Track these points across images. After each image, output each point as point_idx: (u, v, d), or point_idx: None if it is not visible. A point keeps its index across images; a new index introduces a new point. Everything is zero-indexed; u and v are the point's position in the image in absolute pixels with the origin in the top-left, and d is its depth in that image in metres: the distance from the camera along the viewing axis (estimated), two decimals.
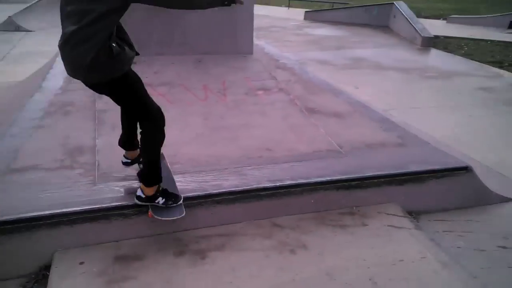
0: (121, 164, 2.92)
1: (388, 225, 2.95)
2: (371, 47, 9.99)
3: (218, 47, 5.91)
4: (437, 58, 9.24)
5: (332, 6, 15.42)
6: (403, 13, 11.48)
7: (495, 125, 5.14)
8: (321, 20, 13.52)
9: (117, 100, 2.50)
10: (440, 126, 5.00)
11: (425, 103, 5.96)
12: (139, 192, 2.62)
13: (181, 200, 2.68)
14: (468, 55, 9.22)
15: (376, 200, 3.17)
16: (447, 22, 13.73)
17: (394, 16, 11.95)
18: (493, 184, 3.53)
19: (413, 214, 3.27)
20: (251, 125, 4.02)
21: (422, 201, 3.29)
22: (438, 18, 14.66)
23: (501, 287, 2.55)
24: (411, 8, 12.32)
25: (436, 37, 10.65)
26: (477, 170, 3.47)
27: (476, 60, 8.78)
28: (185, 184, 2.92)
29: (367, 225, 2.95)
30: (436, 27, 12.28)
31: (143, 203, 2.64)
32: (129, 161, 2.90)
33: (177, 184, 2.85)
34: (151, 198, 2.62)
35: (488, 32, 11.91)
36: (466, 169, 3.35)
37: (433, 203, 3.29)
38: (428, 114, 5.51)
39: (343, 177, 3.12)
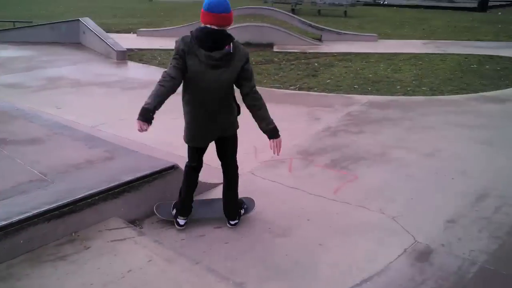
0: None
1: (112, 241, 2.88)
2: (67, 65, 9.55)
3: None
4: (134, 70, 9.63)
5: (14, 25, 13.87)
6: (91, 29, 11.42)
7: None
8: (3, 41, 11.99)
9: (232, 148, 3.19)
10: (148, 133, 5.22)
11: (131, 113, 6.07)
12: (234, 222, 3.34)
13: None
14: (162, 64, 9.97)
15: (95, 219, 3.04)
16: (137, 36, 14.35)
17: (84, 33, 11.77)
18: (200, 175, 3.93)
19: (137, 222, 3.30)
20: None
21: (141, 207, 3.36)
22: (129, 32, 15.20)
23: (220, 264, 2.86)
24: (100, 24, 12.39)
25: (130, 50, 11.05)
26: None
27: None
28: None
29: (89, 247, 2.80)
30: (129, 40, 12.71)
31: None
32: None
33: None
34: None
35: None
36: (173, 167, 3.61)
37: (151, 207, 3.40)
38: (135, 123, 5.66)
39: (52, 206, 2.85)
